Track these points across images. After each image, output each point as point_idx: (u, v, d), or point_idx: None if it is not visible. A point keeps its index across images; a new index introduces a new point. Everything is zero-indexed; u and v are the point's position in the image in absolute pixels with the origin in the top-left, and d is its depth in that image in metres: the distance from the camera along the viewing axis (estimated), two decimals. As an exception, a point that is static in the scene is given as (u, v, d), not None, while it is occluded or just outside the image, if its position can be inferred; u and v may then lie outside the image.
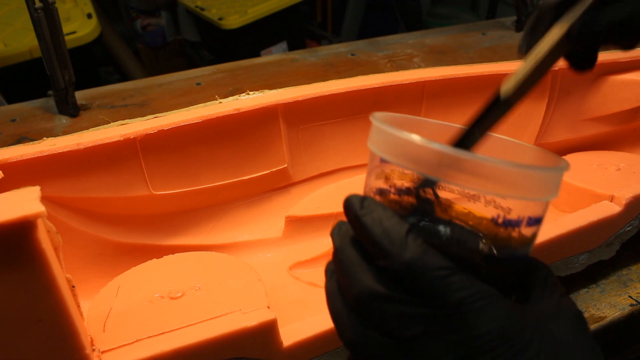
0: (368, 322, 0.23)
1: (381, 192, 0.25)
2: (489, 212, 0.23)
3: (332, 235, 0.25)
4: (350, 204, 0.24)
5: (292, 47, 1.65)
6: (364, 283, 0.22)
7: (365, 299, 0.22)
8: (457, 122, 0.30)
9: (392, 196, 0.25)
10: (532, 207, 0.24)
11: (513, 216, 0.23)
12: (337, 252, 0.24)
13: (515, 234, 0.24)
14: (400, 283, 0.22)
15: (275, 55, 0.93)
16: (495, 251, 0.24)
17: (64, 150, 0.42)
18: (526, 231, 0.24)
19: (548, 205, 0.25)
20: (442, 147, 0.22)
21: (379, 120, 0.25)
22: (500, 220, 0.23)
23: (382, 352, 0.22)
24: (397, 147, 0.24)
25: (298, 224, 0.53)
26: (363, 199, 0.24)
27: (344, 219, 0.26)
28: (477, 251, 0.24)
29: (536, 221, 0.25)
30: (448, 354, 0.21)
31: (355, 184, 0.58)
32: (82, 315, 0.34)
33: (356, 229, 0.23)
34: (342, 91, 0.53)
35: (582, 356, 0.22)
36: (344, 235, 0.24)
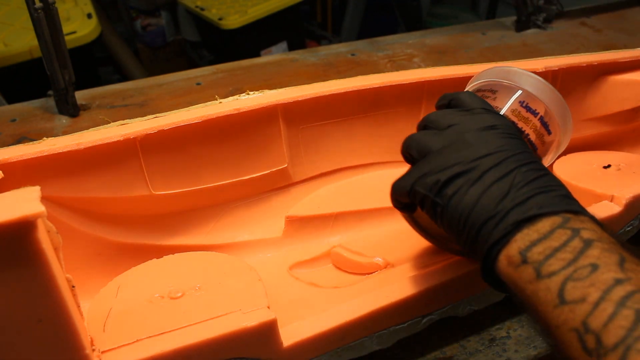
0: (429, 125, 0.38)
1: None
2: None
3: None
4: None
5: (292, 47, 1.65)
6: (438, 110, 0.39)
7: (435, 113, 0.38)
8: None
9: None
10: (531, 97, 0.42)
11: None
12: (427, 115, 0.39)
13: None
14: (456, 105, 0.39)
15: (275, 55, 0.93)
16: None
17: (64, 150, 0.42)
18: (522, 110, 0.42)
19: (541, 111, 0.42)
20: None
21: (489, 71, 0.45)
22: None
23: (434, 137, 0.36)
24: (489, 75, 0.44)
25: (298, 224, 0.53)
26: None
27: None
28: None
29: (528, 107, 0.42)
30: (471, 130, 0.35)
31: (356, 184, 0.58)
32: (82, 315, 0.34)
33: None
34: (342, 91, 0.53)
35: None
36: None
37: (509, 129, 0.36)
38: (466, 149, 0.34)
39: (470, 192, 0.33)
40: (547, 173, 0.33)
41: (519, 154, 0.34)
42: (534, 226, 0.30)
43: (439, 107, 0.41)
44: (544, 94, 0.41)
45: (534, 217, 0.31)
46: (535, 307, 0.29)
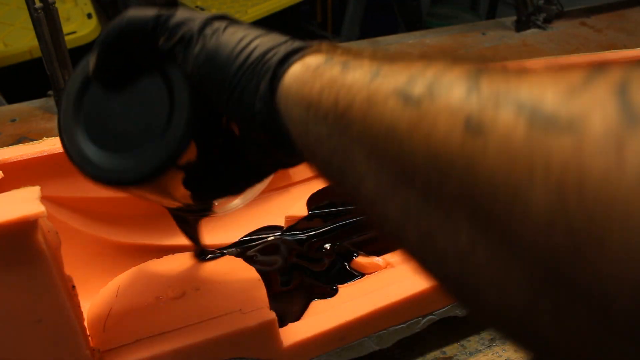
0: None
1: None
2: None
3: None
4: None
5: (292, 47, 1.65)
6: None
7: None
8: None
9: None
10: None
11: None
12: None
13: None
14: None
15: (275, 55, 0.93)
16: None
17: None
18: None
19: None
20: None
21: None
22: None
23: None
24: None
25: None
26: None
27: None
28: None
29: None
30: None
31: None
32: (82, 315, 0.34)
33: None
34: (342, 91, 0.53)
35: None
36: None
37: None
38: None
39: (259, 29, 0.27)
40: None
41: None
42: (339, 47, 0.24)
43: None
44: None
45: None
46: (357, 122, 0.19)
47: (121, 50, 0.28)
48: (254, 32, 0.26)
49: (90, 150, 0.29)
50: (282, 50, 0.25)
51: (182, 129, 0.27)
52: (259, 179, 0.33)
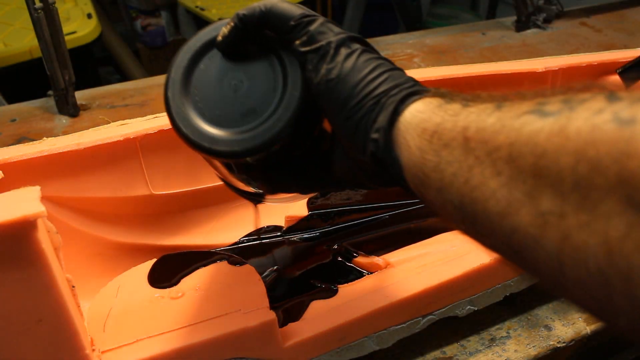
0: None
1: None
2: None
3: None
4: None
5: (292, 47, 1.65)
6: None
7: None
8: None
9: None
10: None
11: None
12: None
13: None
14: None
15: (275, 55, 0.93)
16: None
17: (64, 150, 0.42)
18: None
19: None
20: None
21: None
22: None
23: None
24: None
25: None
26: None
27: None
28: None
29: None
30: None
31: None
32: (82, 315, 0.34)
33: None
34: (342, 91, 0.53)
35: None
36: None
37: None
38: None
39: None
40: None
41: None
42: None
43: None
44: None
45: None
46: (486, 142, 0.21)
47: (257, 29, 0.30)
48: (384, 65, 0.28)
49: (194, 117, 0.31)
50: (405, 89, 0.26)
51: (289, 118, 0.29)
52: (331, 189, 0.34)
